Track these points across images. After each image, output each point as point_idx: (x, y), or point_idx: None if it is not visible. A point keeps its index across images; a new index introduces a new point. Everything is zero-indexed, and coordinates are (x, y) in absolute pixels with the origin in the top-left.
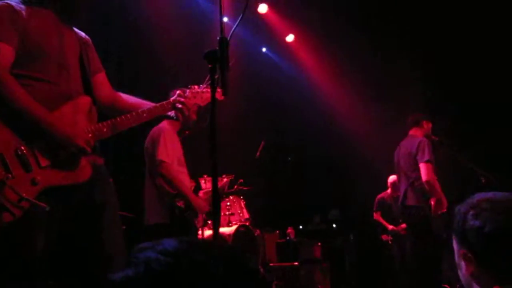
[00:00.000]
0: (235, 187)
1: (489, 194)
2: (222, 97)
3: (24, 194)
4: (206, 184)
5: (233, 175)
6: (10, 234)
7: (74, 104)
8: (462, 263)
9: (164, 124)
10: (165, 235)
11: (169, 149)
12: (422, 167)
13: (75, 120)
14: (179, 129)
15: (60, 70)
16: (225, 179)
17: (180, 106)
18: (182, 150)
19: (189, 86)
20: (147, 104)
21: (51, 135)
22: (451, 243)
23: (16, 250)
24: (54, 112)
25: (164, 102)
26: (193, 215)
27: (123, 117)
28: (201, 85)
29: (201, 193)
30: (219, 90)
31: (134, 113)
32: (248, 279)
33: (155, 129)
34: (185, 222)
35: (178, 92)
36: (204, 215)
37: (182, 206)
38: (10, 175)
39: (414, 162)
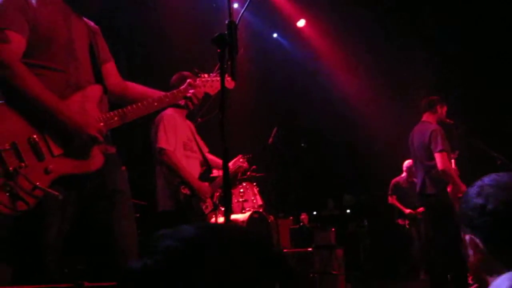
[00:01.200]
0: (248, 173)
1: (494, 174)
2: (232, 85)
3: (37, 183)
4: (218, 171)
5: (251, 155)
6: (23, 222)
7: (84, 93)
8: (470, 251)
9: (167, 109)
10: (172, 223)
11: (170, 136)
12: (437, 157)
13: (85, 109)
14: (187, 113)
15: (69, 59)
16: (240, 160)
17: (190, 95)
18: (190, 134)
19: (199, 75)
20: (155, 92)
21: (63, 124)
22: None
23: (29, 238)
24: (65, 101)
25: (174, 91)
26: (198, 201)
27: (134, 106)
28: (211, 74)
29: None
30: (228, 78)
31: (145, 102)
32: (270, 264)
33: (157, 116)
34: (191, 209)
35: (188, 81)
36: (214, 199)
37: (188, 192)
38: (23, 164)
39: (429, 151)
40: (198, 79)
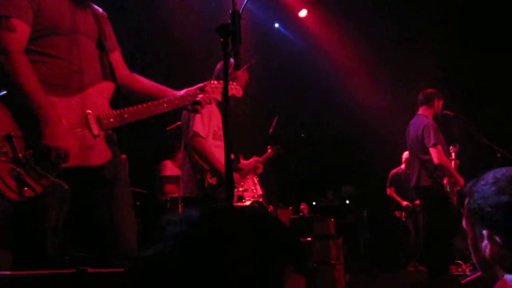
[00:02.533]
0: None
1: (503, 169)
2: (241, 94)
3: (45, 172)
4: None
5: (280, 146)
6: (22, 207)
7: (97, 88)
8: (485, 244)
9: None
10: None
11: (206, 122)
12: (432, 151)
13: (97, 104)
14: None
15: (72, 47)
16: (269, 151)
17: (199, 99)
18: (221, 123)
19: (208, 81)
20: (162, 88)
21: (42, 129)
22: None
23: (29, 223)
24: (77, 95)
25: (184, 95)
26: (223, 193)
27: (143, 105)
28: (220, 80)
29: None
30: (238, 87)
31: (155, 103)
32: (280, 246)
33: None
34: (215, 199)
35: (199, 85)
36: (238, 191)
37: (215, 183)
38: (32, 152)
39: (423, 145)
40: (208, 84)
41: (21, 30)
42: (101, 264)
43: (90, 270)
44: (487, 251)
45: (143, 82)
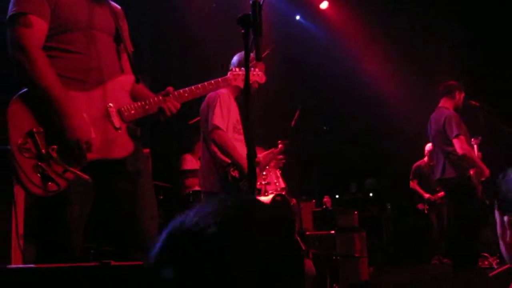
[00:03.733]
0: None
1: None
2: (263, 80)
3: (69, 167)
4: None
5: (288, 141)
6: (47, 201)
7: (115, 82)
8: (507, 232)
9: (222, 89)
10: None
11: (225, 115)
12: (455, 142)
13: (116, 97)
14: (237, 95)
15: (90, 43)
16: (280, 146)
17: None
18: (239, 116)
19: (230, 68)
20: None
21: (62, 122)
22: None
23: (53, 217)
24: (97, 89)
25: (206, 83)
26: (246, 185)
27: (160, 96)
28: (242, 67)
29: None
30: (260, 73)
31: (176, 92)
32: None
33: (211, 93)
34: (239, 192)
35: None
36: (260, 184)
37: (237, 176)
38: (55, 147)
39: (447, 137)
40: (229, 72)
41: (39, 27)
42: (124, 258)
43: (113, 263)
44: (508, 237)
45: (141, 91)
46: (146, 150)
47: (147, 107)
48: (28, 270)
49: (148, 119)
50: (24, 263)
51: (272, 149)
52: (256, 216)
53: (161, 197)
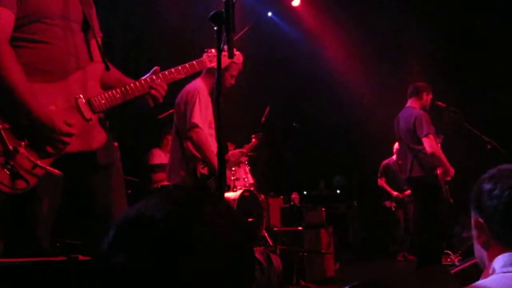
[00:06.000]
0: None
1: (507, 165)
2: (228, 62)
3: (38, 162)
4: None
5: (261, 134)
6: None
7: (85, 71)
8: (475, 232)
9: (200, 83)
10: None
11: (203, 112)
12: (425, 141)
13: (87, 86)
14: (211, 90)
15: (58, 32)
16: (253, 140)
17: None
18: (212, 111)
19: (205, 50)
20: (130, 81)
21: (30, 116)
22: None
23: (20, 211)
24: (65, 79)
25: (179, 67)
26: (214, 183)
27: (136, 83)
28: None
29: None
30: (224, 53)
31: (148, 78)
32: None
33: (190, 87)
34: (207, 188)
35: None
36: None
37: (206, 173)
38: (23, 143)
39: (416, 136)
40: (204, 54)
41: (5, 18)
42: (91, 252)
43: (81, 257)
44: (476, 238)
45: (112, 74)
46: (115, 144)
47: (118, 95)
48: None
49: (129, 105)
50: None
51: (244, 147)
52: (199, 215)
53: (129, 191)
